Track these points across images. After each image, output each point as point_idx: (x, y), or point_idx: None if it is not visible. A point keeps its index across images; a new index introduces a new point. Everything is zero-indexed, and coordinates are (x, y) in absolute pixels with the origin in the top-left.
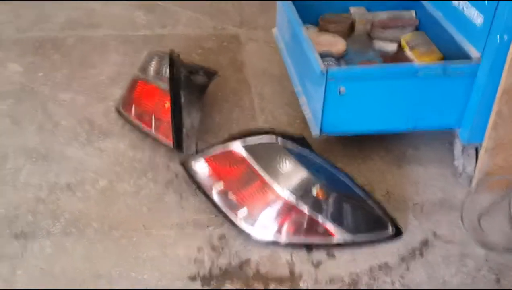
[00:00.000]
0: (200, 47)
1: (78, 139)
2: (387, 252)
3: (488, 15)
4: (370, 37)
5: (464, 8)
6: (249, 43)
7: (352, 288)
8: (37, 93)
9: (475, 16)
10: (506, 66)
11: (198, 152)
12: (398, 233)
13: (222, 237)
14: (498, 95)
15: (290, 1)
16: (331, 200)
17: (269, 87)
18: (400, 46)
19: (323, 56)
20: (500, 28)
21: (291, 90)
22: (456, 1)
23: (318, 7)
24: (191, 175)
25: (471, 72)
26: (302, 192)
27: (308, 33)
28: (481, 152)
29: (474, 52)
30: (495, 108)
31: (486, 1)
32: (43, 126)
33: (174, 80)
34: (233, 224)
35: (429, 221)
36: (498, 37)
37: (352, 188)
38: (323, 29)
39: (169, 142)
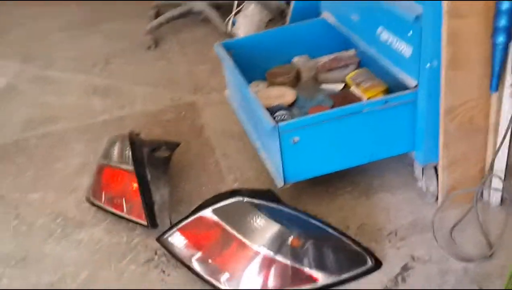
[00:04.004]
0: (159, 121)
1: (53, 235)
2: (371, 284)
3: (415, 46)
4: (317, 81)
5: (393, 43)
6: (206, 108)
7: None
8: (7, 198)
9: (405, 49)
10: (442, 90)
11: (172, 225)
12: (378, 263)
13: None
14: (441, 116)
15: (232, 62)
16: (308, 247)
17: (232, 146)
18: (346, 85)
19: (275, 109)
20: (428, 56)
21: (253, 145)
22: (385, 37)
23: (262, 62)
24: (169, 249)
25: (411, 100)
26: (278, 245)
27: (259, 89)
28: (439, 171)
29: (411, 82)
30: (441, 128)
31: (411, 33)
32: (18, 230)
33: (137, 161)
34: None
35: (405, 246)
36: (428, 64)
37: (326, 230)
38: (271, 83)
39: (143, 221)
